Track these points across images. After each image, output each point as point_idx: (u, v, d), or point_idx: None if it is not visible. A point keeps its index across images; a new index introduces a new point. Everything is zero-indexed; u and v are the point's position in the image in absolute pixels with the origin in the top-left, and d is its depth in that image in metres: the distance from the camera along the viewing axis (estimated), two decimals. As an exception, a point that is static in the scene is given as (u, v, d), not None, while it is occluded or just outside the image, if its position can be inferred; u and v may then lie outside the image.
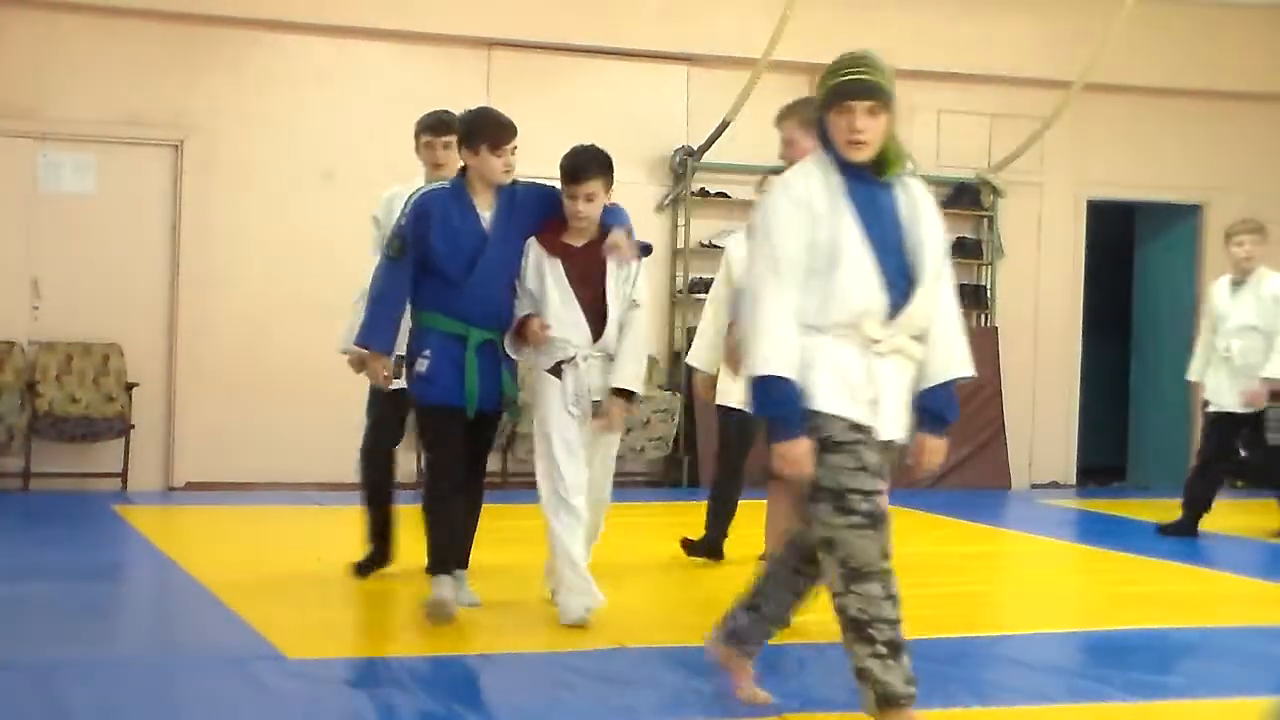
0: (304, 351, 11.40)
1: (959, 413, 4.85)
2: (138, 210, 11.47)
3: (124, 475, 11.21)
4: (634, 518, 10.39)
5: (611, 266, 6.54)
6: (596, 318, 6.49)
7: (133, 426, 11.22)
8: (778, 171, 5.57)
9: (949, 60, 12.71)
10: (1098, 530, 10.45)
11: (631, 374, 6.57)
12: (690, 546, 8.25)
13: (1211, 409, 9.95)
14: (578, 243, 6.55)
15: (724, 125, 12.01)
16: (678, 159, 12.39)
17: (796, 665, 5.90)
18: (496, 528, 9.57)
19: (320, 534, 9.50)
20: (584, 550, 6.52)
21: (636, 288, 6.63)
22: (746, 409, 4.82)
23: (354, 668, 5.78)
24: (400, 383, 6.83)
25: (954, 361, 4.76)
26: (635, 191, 12.35)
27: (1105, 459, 13.96)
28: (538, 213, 6.62)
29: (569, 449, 6.46)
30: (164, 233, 11.55)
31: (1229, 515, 10.47)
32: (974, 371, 4.84)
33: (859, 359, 4.60)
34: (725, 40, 12.35)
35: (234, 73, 11.62)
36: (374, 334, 6.64)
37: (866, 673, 4.60)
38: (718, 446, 8.44)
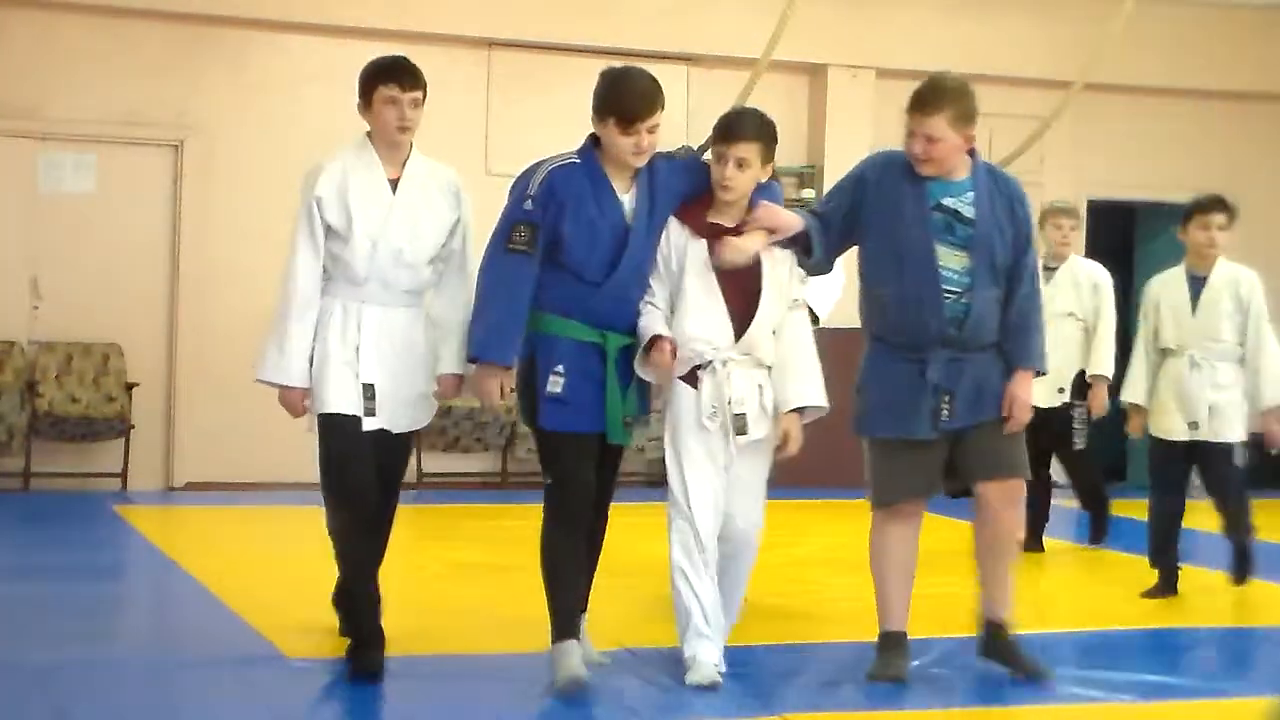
0: (304, 351, 11.41)
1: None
2: (138, 210, 11.47)
3: (124, 475, 11.20)
4: (634, 518, 10.37)
5: (769, 255, 5.53)
6: (742, 314, 5.47)
7: (133, 426, 11.21)
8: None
9: (949, 60, 12.62)
10: (1117, 534, 10.44)
11: (814, 387, 5.56)
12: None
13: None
14: (728, 222, 5.53)
15: (724, 125, 11.98)
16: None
17: (797, 665, 5.90)
18: (497, 527, 9.59)
19: (320, 534, 9.49)
20: (711, 588, 5.53)
21: (797, 284, 5.63)
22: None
23: (354, 668, 5.77)
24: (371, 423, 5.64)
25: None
26: (635, 191, 12.37)
27: (1105, 459, 13.95)
28: (684, 190, 5.61)
29: (702, 468, 5.48)
30: (164, 232, 11.54)
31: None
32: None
33: None
34: (725, 40, 12.34)
35: (234, 73, 11.62)
36: (494, 345, 5.41)
37: None
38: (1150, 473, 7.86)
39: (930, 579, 7.67)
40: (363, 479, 5.57)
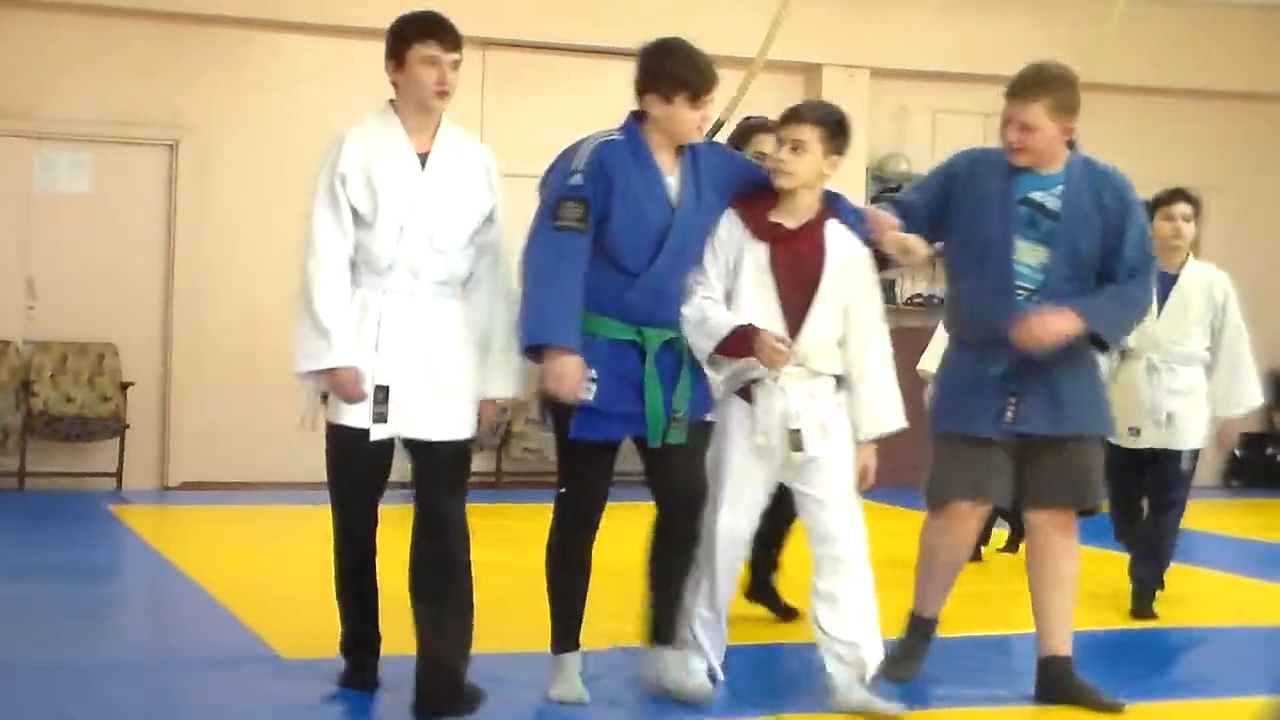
0: (300, 351, 11.41)
1: None
2: (133, 210, 11.46)
3: (119, 475, 11.19)
4: (633, 517, 10.36)
5: (832, 259, 5.14)
6: (797, 322, 5.10)
7: (128, 426, 11.20)
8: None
9: (944, 60, 12.69)
10: (1098, 530, 10.43)
11: (892, 411, 5.20)
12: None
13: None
14: (791, 223, 5.17)
15: (718, 125, 11.93)
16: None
17: (796, 665, 5.89)
18: (492, 527, 9.57)
19: (317, 534, 9.48)
20: (719, 611, 5.35)
21: (878, 297, 5.27)
22: None
23: (351, 668, 5.75)
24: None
25: None
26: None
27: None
28: (728, 182, 5.25)
29: (740, 497, 5.17)
30: (159, 232, 11.53)
31: (1228, 515, 10.46)
32: None
33: None
34: (721, 39, 12.24)
35: (229, 72, 11.60)
36: (557, 326, 4.95)
37: None
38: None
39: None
40: (362, 490, 5.21)
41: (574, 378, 4.94)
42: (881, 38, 12.63)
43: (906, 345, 6.14)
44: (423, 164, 4.97)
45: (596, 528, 5.27)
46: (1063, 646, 5.42)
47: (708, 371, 5.18)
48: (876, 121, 12.63)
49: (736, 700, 5.30)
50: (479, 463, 11.86)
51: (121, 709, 5.14)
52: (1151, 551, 7.10)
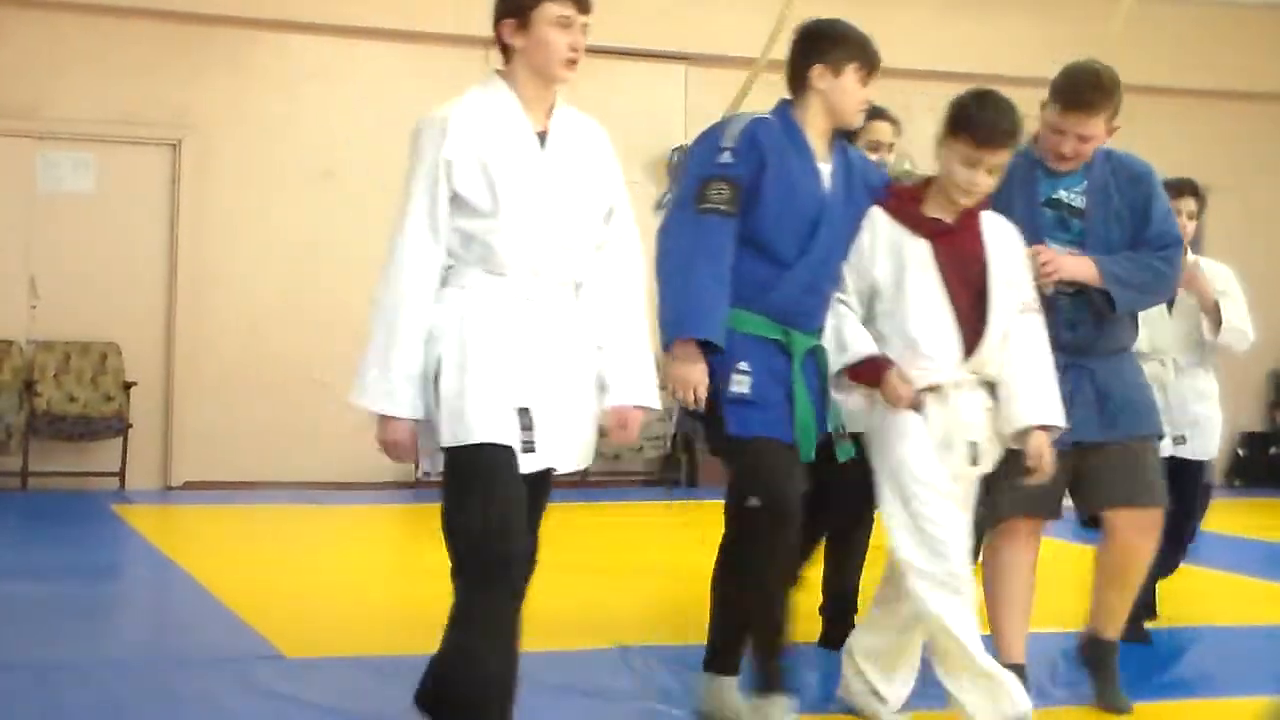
0: (302, 350, 11.43)
1: None
2: (136, 209, 11.47)
3: (122, 474, 11.20)
4: (633, 517, 10.38)
5: (995, 252, 4.71)
6: (970, 327, 4.63)
7: (131, 426, 11.21)
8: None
9: (947, 60, 12.69)
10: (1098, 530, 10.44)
11: (1052, 403, 4.74)
12: None
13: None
14: (948, 217, 4.72)
15: (722, 125, 12.00)
16: (675, 159, 12.38)
17: (796, 665, 5.89)
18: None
19: (320, 534, 9.50)
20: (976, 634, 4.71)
21: (1030, 282, 4.82)
22: None
23: (354, 668, 5.76)
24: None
25: None
26: (633, 191, 12.29)
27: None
28: (874, 189, 4.85)
29: (948, 505, 4.59)
30: (162, 232, 11.54)
31: (1230, 515, 10.46)
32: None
33: None
34: (723, 40, 12.35)
35: (232, 72, 11.61)
36: (700, 318, 4.47)
37: None
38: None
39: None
40: (519, 539, 4.02)
41: (698, 381, 4.46)
42: (883, 37, 12.49)
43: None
44: (541, 143, 4.22)
45: (794, 537, 4.60)
46: (1114, 632, 5.38)
47: (832, 391, 4.71)
48: (879, 121, 12.64)
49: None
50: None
51: (124, 708, 5.15)
52: (1172, 558, 6.66)
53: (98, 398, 11.18)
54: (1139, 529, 5.17)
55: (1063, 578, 8.21)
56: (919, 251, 4.65)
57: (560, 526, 10.41)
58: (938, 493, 4.55)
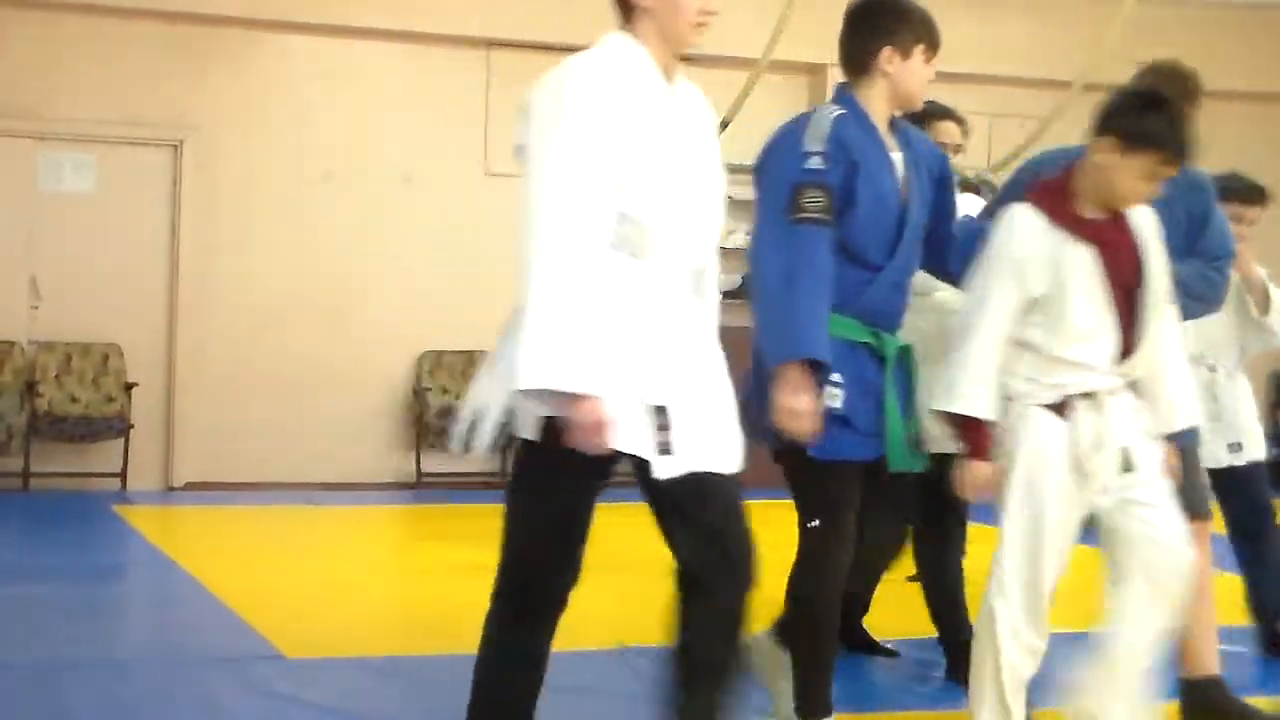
0: (303, 351, 11.43)
1: None
2: (137, 210, 11.47)
3: (123, 475, 11.20)
4: (633, 517, 10.37)
5: (1148, 248, 4.33)
6: (1127, 329, 4.26)
7: (132, 426, 11.21)
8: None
9: (949, 60, 12.58)
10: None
11: (1191, 404, 4.46)
12: None
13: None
14: (1101, 215, 4.30)
15: (723, 125, 11.99)
16: (677, 159, 12.36)
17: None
18: (495, 527, 9.58)
19: (320, 534, 9.50)
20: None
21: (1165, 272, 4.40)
22: None
23: (354, 668, 5.77)
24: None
25: None
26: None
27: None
28: (938, 171, 4.60)
29: (1061, 542, 4.25)
30: (163, 233, 11.55)
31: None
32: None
33: None
34: (724, 40, 12.27)
35: (233, 73, 11.62)
36: (812, 336, 4.19)
37: None
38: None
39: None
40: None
41: (809, 410, 4.17)
42: (885, 38, 12.63)
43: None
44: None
45: (845, 563, 4.37)
46: (1213, 665, 5.00)
47: (926, 420, 4.43)
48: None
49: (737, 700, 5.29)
50: (483, 463, 11.88)
51: (125, 708, 5.15)
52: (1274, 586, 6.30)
53: (99, 398, 11.18)
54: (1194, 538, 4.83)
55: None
56: (1082, 260, 4.22)
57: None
58: (1059, 525, 4.22)
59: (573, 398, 3.46)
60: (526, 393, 3.49)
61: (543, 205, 3.57)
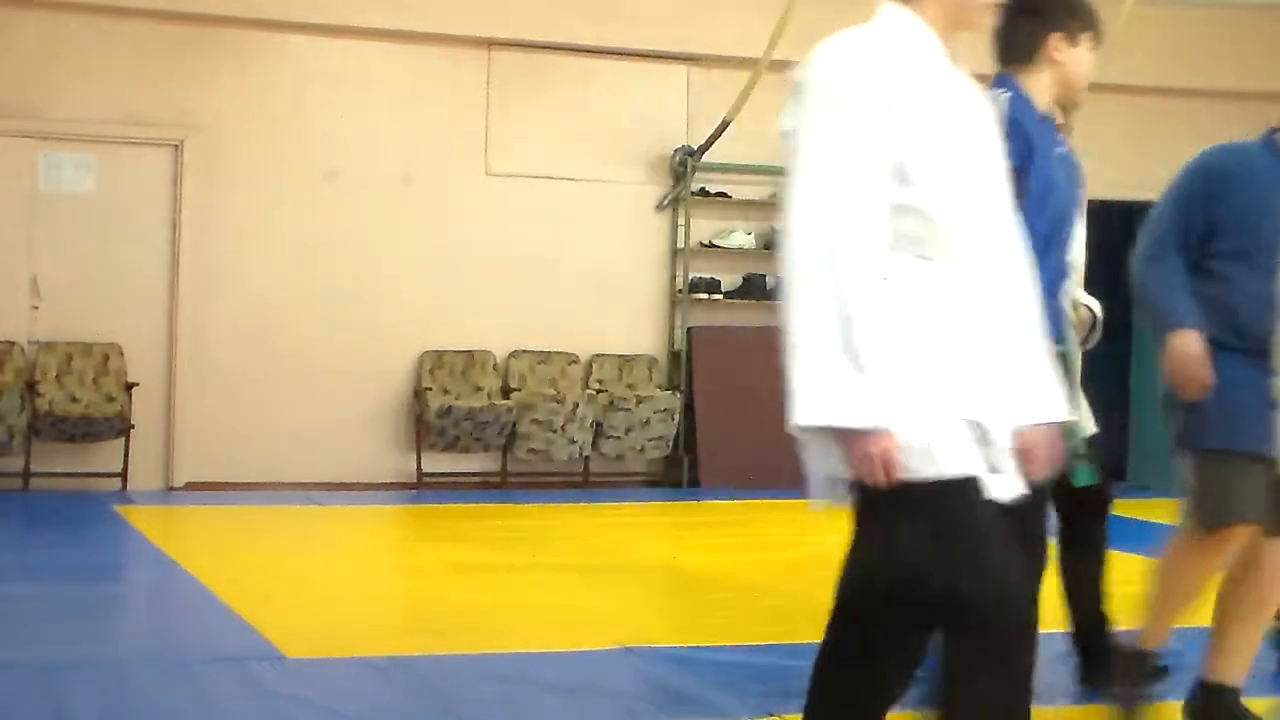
0: (304, 351, 11.43)
1: None
2: (138, 210, 11.47)
3: (124, 475, 11.20)
4: (634, 518, 10.39)
5: None
6: None
7: (133, 426, 11.21)
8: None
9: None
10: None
11: None
12: None
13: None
14: None
15: (724, 125, 12.02)
16: (678, 159, 12.39)
17: (797, 665, 5.89)
18: (495, 527, 9.59)
19: (320, 534, 9.50)
20: None
21: None
22: None
23: (354, 668, 5.77)
24: None
25: None
26: (635, 191, 12.38)
27: (1106, 459, 13.94)
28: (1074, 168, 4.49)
29: None
30: (164, 232, 11.54)
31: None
32: None
33: None
34: (725, 40, 12.35)
35: (234, 73, 11.62)
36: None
37: None
38: None
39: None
40: (1016, 576, 3.22)
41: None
42: (885, 38, 12.64)
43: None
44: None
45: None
46: (1240, 677, 4.95)
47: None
48: (880, 122, 12.65)
49: (738, 700, 5.30)
50: (484, 463, 11.89)
51: (125, 709, 5.15)
52: None
53: (100, 398, 11.18)
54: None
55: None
56: None
57: (561, 526, 10.48)
58: None
59: (853, 433, 3.05)
60: (805, 430, 3.10)
61: (808, 203, 3.12)
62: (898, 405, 3.05)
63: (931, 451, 3.11)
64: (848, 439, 3.06)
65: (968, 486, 3.15)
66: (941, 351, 3.17)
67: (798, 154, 3.16)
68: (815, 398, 3.04)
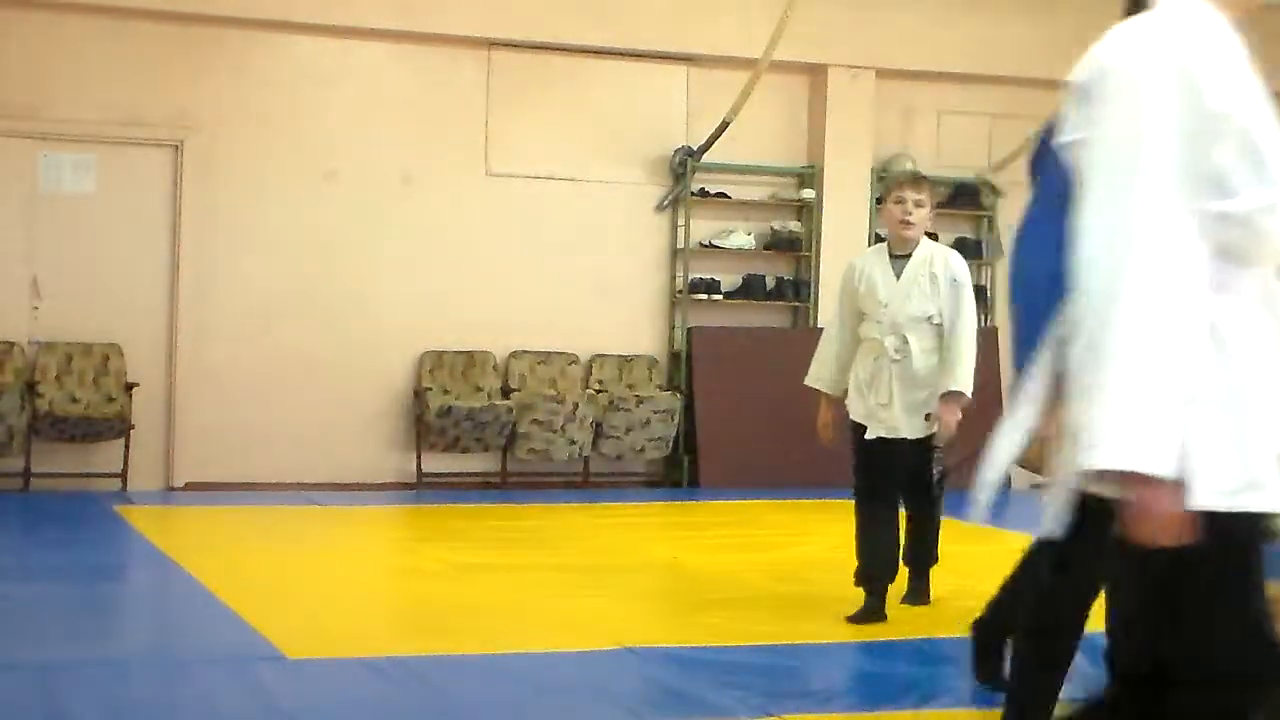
0: (303, 351, 11.43)
1: None
2: (138, 210, 11.47)
3: (124, 475, 11.20)
4: (634, 518, 10.40)
5: None
6: None
7: (133, 427, 11.21)
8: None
9: (949, 60, 12.70)
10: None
11: None
12: None
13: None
14: None
15: (724, 125, 12.02)
16: (678, 159, 12.39)
17: (797, 665, 5.89)
18: (495, 527, 9.59)
19: (320, 534, 9.50)
20: None
21: None
22: None
23: (354, 668, 5.78)
24: None
25: None
26: (635, 191, 12.38)
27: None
28: None
29: None
30: (164, 233, 11.54)
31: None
32: None
33: None
34: (725, 40, 12.35)
35: (234, 73, 11.62)
36: None
37: None
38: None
39: (931, 578, 7.68)
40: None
41: None
42: (886, 38, 12.64)
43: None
44: None
45: None
46: None
47: None
48: (882, 122, 12.64)
49: (738, 700, 5.31)
50: (484, 463, 11.89)
51: (125, 708, 5.16)
52: None
53: (99, 399, 11.18)
54: None
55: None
56: None
57: (561, 527, 10.47)
58: None
59: (1150, 481, 2.64)
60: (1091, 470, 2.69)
61: (1120, 221, 2.71)
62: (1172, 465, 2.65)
63: (1259, 480, 2.72)
64: (1140, 485, 2.64)
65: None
66: (1268, 369, 2.79)
67: (1095, 167, 2.80)
68: (1116, 444, 2.64)
